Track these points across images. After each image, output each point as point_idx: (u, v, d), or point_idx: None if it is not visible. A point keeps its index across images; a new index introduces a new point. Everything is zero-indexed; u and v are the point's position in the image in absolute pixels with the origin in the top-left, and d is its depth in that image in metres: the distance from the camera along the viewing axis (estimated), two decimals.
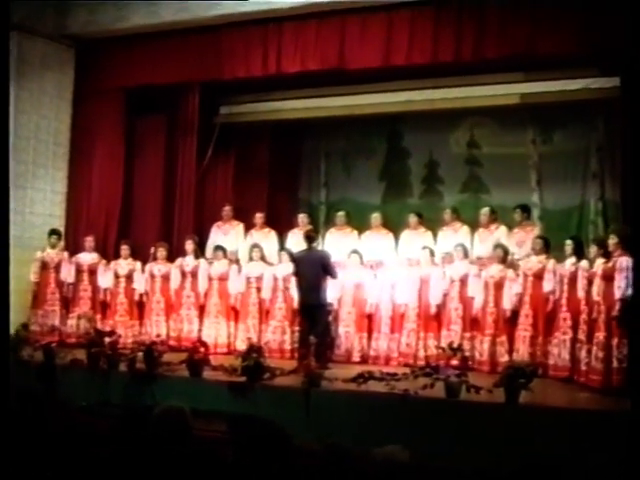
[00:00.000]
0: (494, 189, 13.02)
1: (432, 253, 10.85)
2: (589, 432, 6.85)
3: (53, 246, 12.17)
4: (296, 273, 10.40)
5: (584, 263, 9.09)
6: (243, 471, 3.80)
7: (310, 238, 10.51)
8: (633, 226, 8.38)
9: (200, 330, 11.56)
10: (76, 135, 13.15)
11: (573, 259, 9.35)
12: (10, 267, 5.94)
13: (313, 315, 10.12)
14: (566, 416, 7.24)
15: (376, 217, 11.96)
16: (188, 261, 11.84)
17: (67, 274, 12.09)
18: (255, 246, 11.80)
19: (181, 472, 3.79)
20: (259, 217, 12.49)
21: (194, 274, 11.73)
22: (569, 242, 9.54)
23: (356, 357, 10.82)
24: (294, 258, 10.59)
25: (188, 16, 11.81)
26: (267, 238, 12.25)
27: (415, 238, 11.43)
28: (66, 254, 12.27)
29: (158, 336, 10.82)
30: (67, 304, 12.14)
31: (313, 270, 10.10)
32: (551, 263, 9.70)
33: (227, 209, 12.65)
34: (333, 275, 10.27)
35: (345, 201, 14.00)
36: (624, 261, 8.27)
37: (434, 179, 13.70)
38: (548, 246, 9.99)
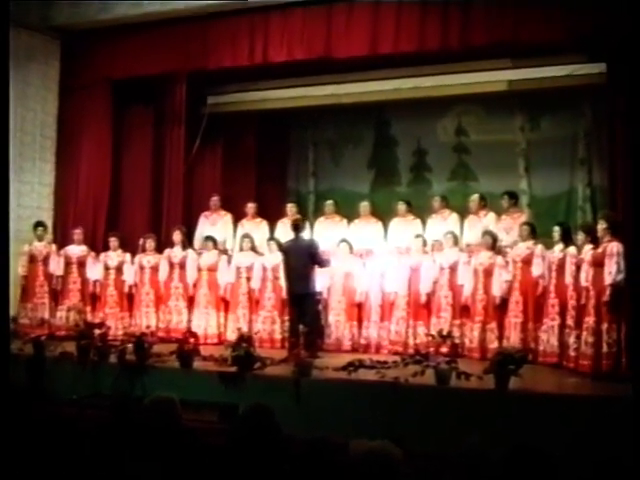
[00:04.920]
0: (482, 176, 13.04)
1: (424, 242, 10.85)
2: (579, 417, 6.87)
3: (40, 238, 12.10)
4: (284, 262, 10.40)
5: (572, 249, 9.11)
6: (233, 461, 3.79)
7: (297, 227, 10.50)
8: (623, 212, 8.45)
9: (189, 321, 11.55)
10: (63, 127, 13.07)
11: (561, 245, 9.35)
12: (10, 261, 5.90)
13: (302, 304, 10.12)
14: (556, 402, 7.26)
15: (365, 206, 11.96)
16: (176, 252, 11.80)
17: (56, 267, 12.04)
18: (246, 236, 11.77)
19: (171, 463, 3.78)
20: (251, 207, 12.46)
21: (182, 265, 11.70)
22: (557, 228, 9.55)
23: (346, 346, 10.82)
24: (282, 248, 10.59)
25: (173, 6, 11.74)
26: (258, 228, 12.23)
27: (404, 226, 11.46)
28: (54, 247, 12.21)
29: (148, 327, 10.80)
30: (56, 297, 12.08)
31: (301, 259, 10.11)
32: (539, 248, 9.73)
33: (215, 199, 12.62)
34: (321, 264, 10.28)
35: (334, 190, 13.98)
36: (614, 247, 8.32)
37: (422, 167, 13.72)
38: (535, 232, 10.02)
